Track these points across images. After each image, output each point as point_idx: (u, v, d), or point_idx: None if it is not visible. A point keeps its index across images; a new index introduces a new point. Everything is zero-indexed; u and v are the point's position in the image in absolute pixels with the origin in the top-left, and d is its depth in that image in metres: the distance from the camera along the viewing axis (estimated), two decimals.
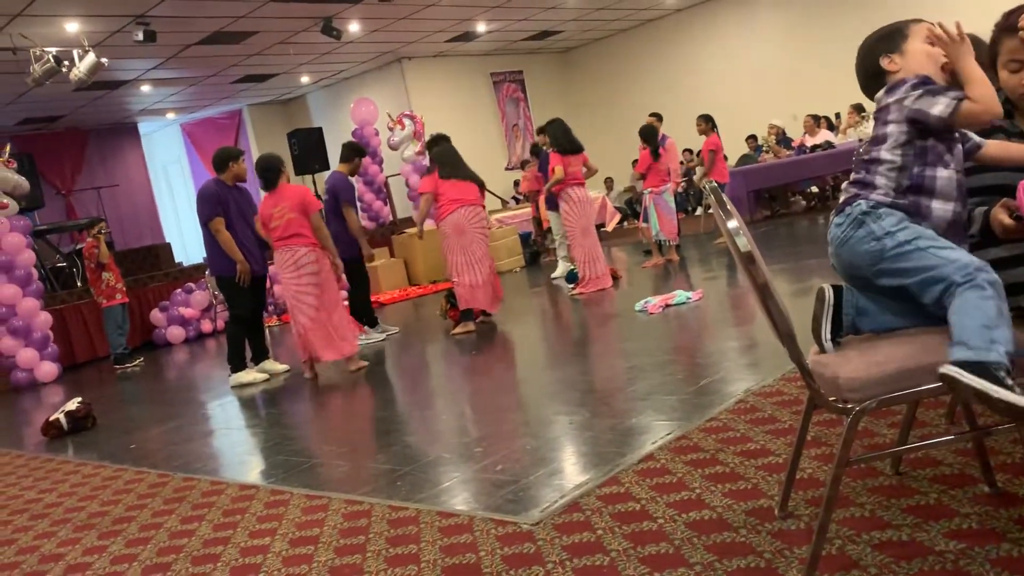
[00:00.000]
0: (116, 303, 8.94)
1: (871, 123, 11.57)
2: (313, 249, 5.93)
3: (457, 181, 6.78)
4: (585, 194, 7.89)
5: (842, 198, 2.12)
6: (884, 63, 2.11)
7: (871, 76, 2.15)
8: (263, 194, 6.11)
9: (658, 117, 10.03)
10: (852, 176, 2.12)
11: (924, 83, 2.00)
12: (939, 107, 1.94)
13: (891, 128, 2.03)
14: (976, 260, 1.87)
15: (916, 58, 2.08)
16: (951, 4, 6.58)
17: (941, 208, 1.99)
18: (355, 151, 7.29)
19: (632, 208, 14.93)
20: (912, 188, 2.00)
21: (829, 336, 2.06)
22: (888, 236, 1.96)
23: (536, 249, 12.04)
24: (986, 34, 2.22)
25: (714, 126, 10.00)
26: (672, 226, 8.96)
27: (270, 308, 10.71)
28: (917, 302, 1.97)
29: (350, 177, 7.23)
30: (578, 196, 7.80)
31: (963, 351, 1.78)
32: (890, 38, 2.13)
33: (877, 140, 2.06)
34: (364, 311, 7.35)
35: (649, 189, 8.94)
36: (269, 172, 6.03)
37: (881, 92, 2.10)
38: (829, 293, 2.07)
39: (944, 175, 2.00)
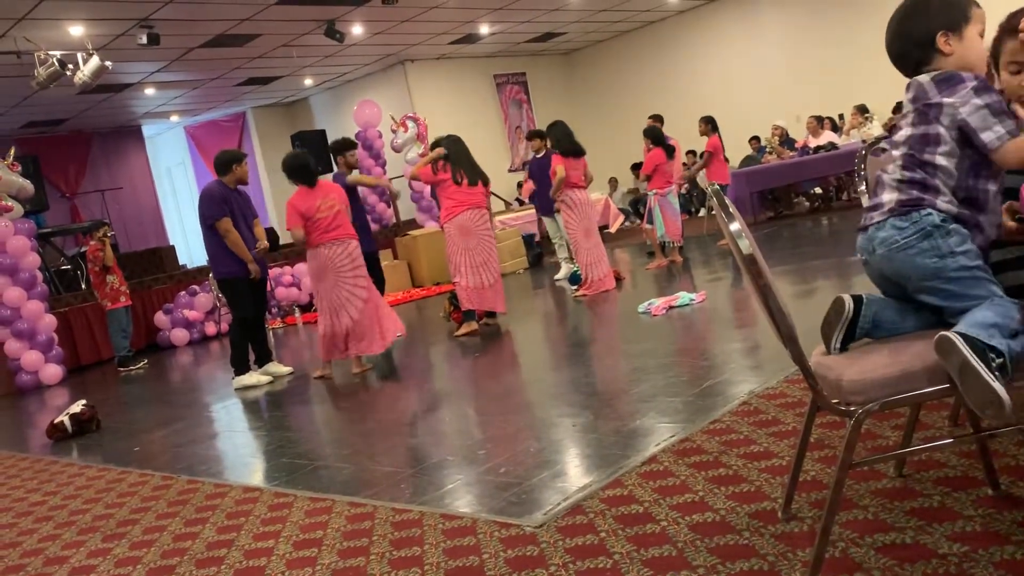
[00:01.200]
0: (120, 306, 8.96)
1: (875, 124, 11.58)
2: (358, 244, 6.06)
3: (466, 185, 6.77)
4: (586, 197, 7.89)
5: (894, 196, 1.99)
6: (940, 41, 1.96)
7: (915, 43, 2.00)
8: (298, 189, 6.03)
9: (658, 119, 10.04)
10: (903, 173, 1.98)
11: (986, 90, 1.88)
12: (989, 135, 1.85)
13: (943, 131, 1.92)
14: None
15: (971, 49, 1.95)
16: None
17: (988, 223, 1.95)
18: (337, 149, 7.26)
19: (636, 210, 14.93)
20: (966, 200, 1.94)
21: (839, 345, 2.03)
22: (951, 256, 1.90)
23: (540, 251, 12.06)
24: (988, 37, 2.20)
25: (715, 128, 10.00)
26: (676, 227, 8.97)
27: (273, 311, 10.72)
28: (938, 315, 1.96)
29: (350, 175, 7.23)
30: (579, 199, 7.80)
31: (969, 327, 1.77)
32: (951, 14, 1.97)
33: (928, 140, 1.95)
34: None
35: (654, 190, 8.95)
36: (306, 168, 6.04)
37: (927, 79, 1.94)
38: (849, 305, 2.01)
39: (992, 189, 1.94)
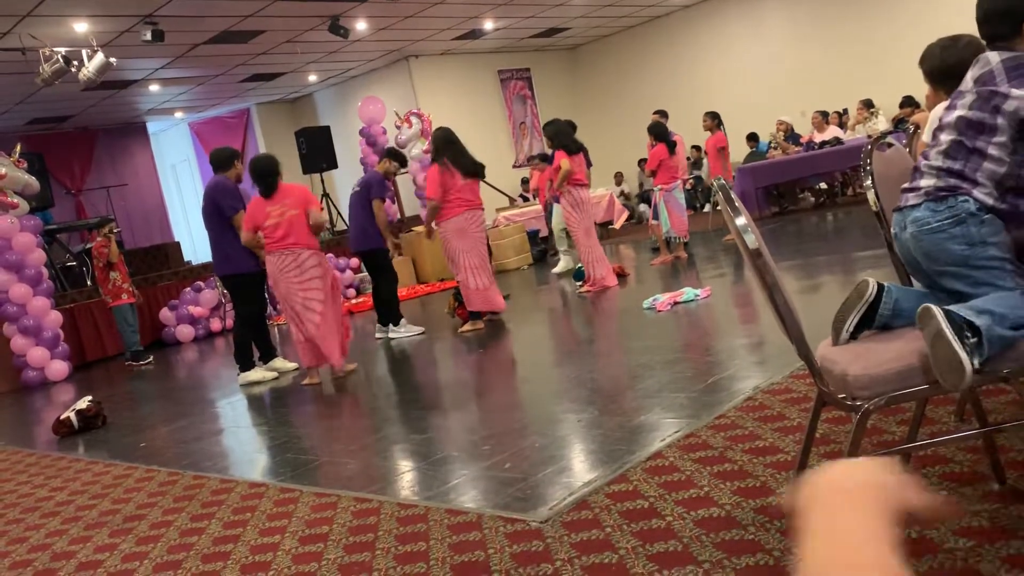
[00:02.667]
0: (122, 303, 8.96)
1: (880, 119, 11.48)
2: (315, 252, 5.76)
3: (468, 180, 6.69)
4: (587, 195, 7.86)
5: (931, 182, 1.95)
6: None
7: (1000, 17, 1.90)
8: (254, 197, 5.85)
9: (663, 114, 10.02)
10: (944, 161, 1.94)
11: None
12: None
13: (1000, 121, 1.86)
14: None
15: None
16: (956, 1, 6.53)
17: None
18: (388, 155, 7.39)
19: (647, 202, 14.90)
20: (1014, 190, 1.89)
21: (852, 328, 2.00)
22: (982, 245, 1.88)
23: (544, 247, 12.05)
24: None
25: (720, 124, 9.99)
26: (682, 223, 8.94)
27: (278, 307, 10.73)
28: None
29: (385, 178, 7.30)
30: (583, 197, 7.78)
31: (961, 307, 1.79)
32: None
33: (983, 128, 1.88)
34: (391, 305, 7.24)
35: (660, 186, 8.93)
36: (271, 177, 5.74)
37: (997, 61, 1.85)
38: (872, 289, 1.99)
39: None
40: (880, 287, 2.01)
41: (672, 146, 8.92)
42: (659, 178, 8.92)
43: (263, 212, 5.71)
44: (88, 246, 12.15)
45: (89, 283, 11.09)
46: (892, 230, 2.10)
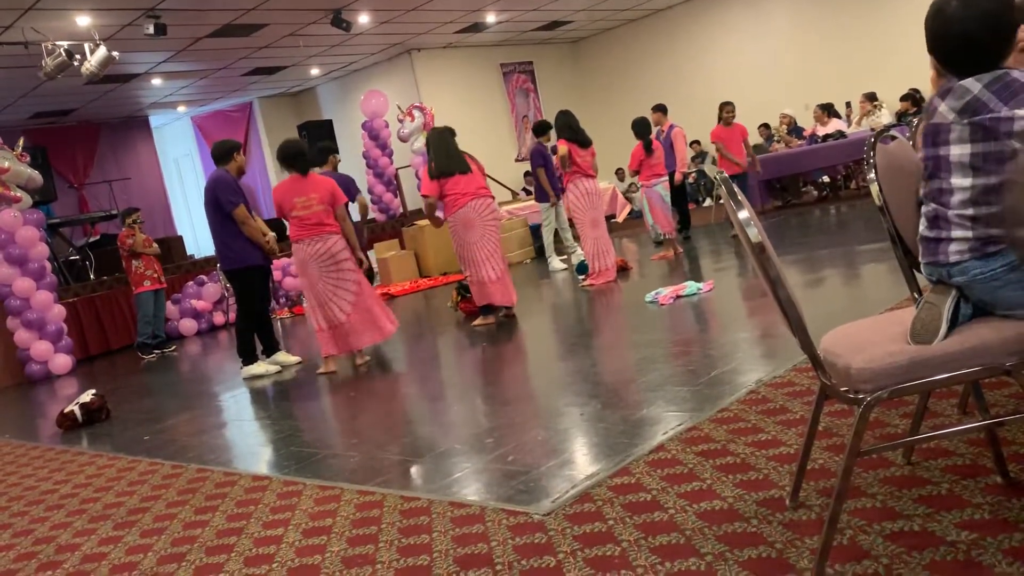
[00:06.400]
0: (144, 289, 8.96)
1: (883, 112, 11.36)
2: (343, 238, 5.94)
3: (459, 176, 6.51)
4: (594, 186, 7.87)
5: (970, 234, 1.88)
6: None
7: (991, 44, 1.83)
8: (285, 177, 5.98)
9: (661, 108, 9.99)
10: (976, 209, 1.86)
11: None
12: None
13: (1018, 144, 1.78)
14: None
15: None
16: None
17: None
18: (324, 152, 7.14)
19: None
20: None
21: (949, 317, 1.91)
22: None
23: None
24: None
25: (720, 117, 10.03)
26: (666, 219, 8.89)
27: (282, 300, 10.75)
28: None
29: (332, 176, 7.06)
30: (588, 188, 7.78)
31: None
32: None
33: (1003, 157, 1.81)
34: None
35: (641, 183, 8.90)
36: (302, 158, 5.94)
37: (979, 87, 1.80)
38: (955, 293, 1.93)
39: None
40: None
41: (648, 144, 8.85)
42: (642, 175, 8.92)
43: (290, 197, 5.82)
44: (91, 240, 12.20)
45: (92, 276, 11.11)
46: (924, 272, 2.04)
